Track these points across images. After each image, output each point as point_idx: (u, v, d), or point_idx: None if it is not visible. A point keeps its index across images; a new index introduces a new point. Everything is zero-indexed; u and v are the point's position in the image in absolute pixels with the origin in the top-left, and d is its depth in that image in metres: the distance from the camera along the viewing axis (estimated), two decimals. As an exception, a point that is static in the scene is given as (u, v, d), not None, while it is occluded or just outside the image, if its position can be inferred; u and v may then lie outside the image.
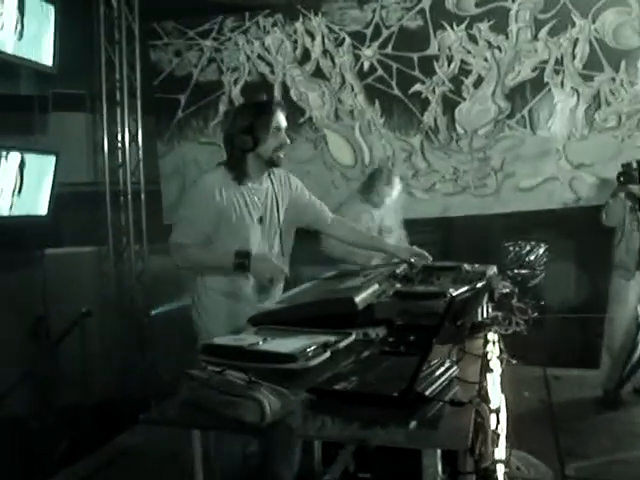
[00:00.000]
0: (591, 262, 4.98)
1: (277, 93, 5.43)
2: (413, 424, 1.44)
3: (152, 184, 5.71)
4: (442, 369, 1.68)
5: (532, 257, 5.66)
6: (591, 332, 4.59)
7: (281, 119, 2.66)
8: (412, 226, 5.08)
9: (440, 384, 1.62)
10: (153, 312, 5.63)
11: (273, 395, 1.45)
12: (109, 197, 5.51)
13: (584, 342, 4.84)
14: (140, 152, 5.63)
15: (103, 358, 5.14)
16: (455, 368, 1.72)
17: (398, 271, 2.79)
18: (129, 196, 5.55)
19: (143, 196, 5.62)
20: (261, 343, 1.90)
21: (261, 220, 2.72)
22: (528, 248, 5.71)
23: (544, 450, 3.55)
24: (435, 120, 5.19)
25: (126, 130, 5.54)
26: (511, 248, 5.70)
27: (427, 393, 1.54)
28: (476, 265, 2.78)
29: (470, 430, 1.41)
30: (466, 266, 2.81)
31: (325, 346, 1.90)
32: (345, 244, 3.18)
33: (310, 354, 1.81)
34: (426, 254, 2.91)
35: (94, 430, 4.19)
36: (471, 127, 5.12)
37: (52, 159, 4.87)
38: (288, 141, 2.72)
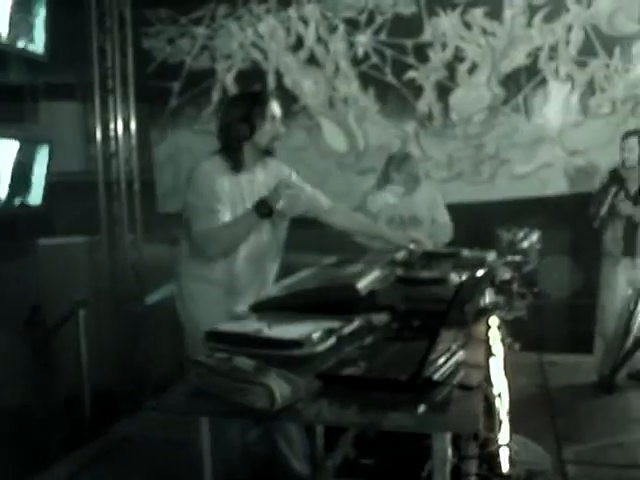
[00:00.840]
0: (585, 248, 4.98)
1: (271, 80, 5.41)
2: (422, 408, 1.45)
3: (146, 173, 5.68)
4: (448, 354, 1.68)
5: (526, 244, 5.65)
6: (585, 318, 4.61)
7: (276, 108, 2.68)
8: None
9: (447, 369, 1.62)
10: (148, 301, 5.62)
11: (282, 381, 1.44)
12: (102, 186, 5.47)
13: (579, 328, 4.86)
14: (133, 141, 5.58)
15: (98, 347, 5.12)
16: (461, 353, 1.72)
17: (398, 257, 2.79)
18: (123, 185, 5.51)
19: (137, 185, 5.58)
20: (266, 329, 1.89)
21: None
22: (522, 235, 5.70)
23: (542, 435, 3.57)
24: (429, 107, 5.18)
25: (119, 119, 5.49)
26: (505, 235, 5.70)
27: (435, 378, 1.54)
28: (475, 251, 2.79)
29: (480, 413, 1.41)
30: (466, 252, 2.82)
31: (330, 332, 1.90)
32: (343, 231, 3.17)
33: (316, 340, 1.81)
34: (424, 240, 2.93)
35: (90, 419, 4.18)
36: (465, 114, 5.12)
37: (45, 148, 4.84)
38: (283, 130, 2.74)
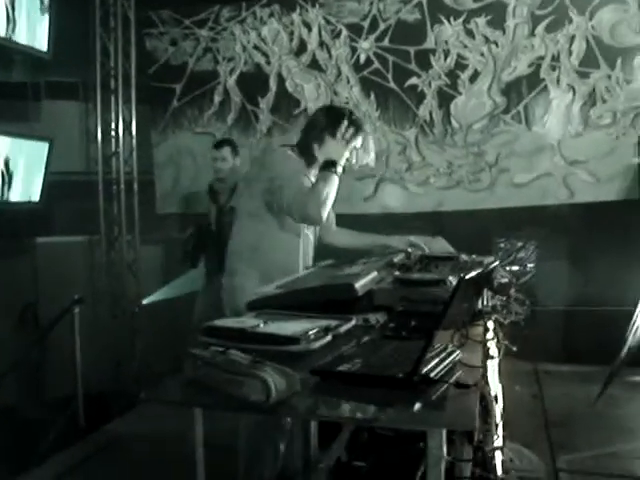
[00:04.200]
0: (584, 258, 4.99)
1: (272, 84, 5.42)
2: (418, 406, 1.44)
3: (145, 174, 5.68)
4: (445, 353, 1.68)
5: (523, 254, 5.67)
6: (582, 328, 4.61)
7: (354, 136, 2.73)
8: (404, 220, 5.12)
9: (444, 367, 1.62)
10: (144, 301, 5.62)
11: (278, 374, 1.44)
12: (102, 186, 5.48)
13: (575, 338, 4.86)
14: (134, 141, 5.59)
15: (93, 346, 5.11)
16: (458, 352, 1.72)
17: (396, 260, 2.79)
18: (122, 185, 5.52)
19: (136, 185, 5.58)
20: (262, 325, 1.89)
21: None
22: (519, 245, 5.72)
23: (536, 443, 3.57)
24: (430, 114, 5.19)
25: (120, 119, 5.50)
26: (502, 245, 5.71)
27: (432, 375, 1.54)
28: (473, 255, 2.79)
29: (477, 411, 1.41)
30: (464, 256, 2.82)
31: (326, 330, 1.89)
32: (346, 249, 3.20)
33: (312, 337, 1.81)
34: (422, 245, 2.95)
35: (83, 418, 4.16)
36: (466, 121, 5.12)
37: (45, 146, 4.84)
38: (352, 159, 2.84)
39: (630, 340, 4.16)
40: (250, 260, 2.73)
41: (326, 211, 2.61)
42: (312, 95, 5.38)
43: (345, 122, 2.71)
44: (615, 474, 3.36)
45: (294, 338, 1.77)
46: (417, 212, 5.19)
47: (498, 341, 2.07)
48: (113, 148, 5.52)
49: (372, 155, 3.10)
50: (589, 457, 3.53)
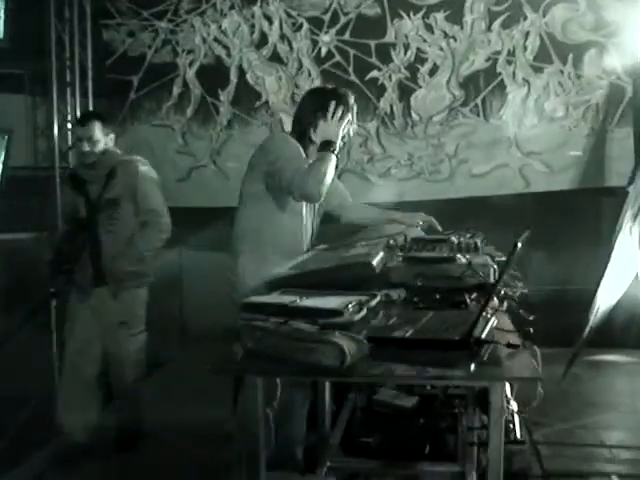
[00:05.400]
0: (538, 246, 5.19)
1: (233, 76, 5.42)
2: (476, 364, 1.52)
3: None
4: (486, 319, 1.76)
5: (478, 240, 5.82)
6: (544, 310, 4.79)
7: (341, 111, 2.78)
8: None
9: (488, 332, 1.70)
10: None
11: (349, 339, 1.49)
12: (58, 180, 5.34)
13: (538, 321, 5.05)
14: (91, 134, 5.47)
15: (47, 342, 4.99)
16: (494, 319, 1.81)
17: (392, 242, 2.87)
18: (80, 179, 5.39)
19: (94, 179, 5.46)
20: (299, 301, 1.92)
21: None
22: (468, 236, 5.89)
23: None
24: (391, 106, 5.30)
25: (77, 112, 5.38)
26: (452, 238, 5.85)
27: (483, 337, 1.62)
28: (468, 235, 2.91)
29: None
30: (453, 238, 2.93)
31: (360, 304, 1.95)
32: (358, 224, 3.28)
33: (352, 310, 1.86)
34: (434, 220, 3.11)
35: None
36: (426, 114, 5.26)
37: (4, 138, 4.71)
38: (351, 133, 2.95)
39: (591, 320, 4.37)
40: (254, 242, 2.78)
41: (324, 188, 2.66)
42: (273, 88, 5.41)
43: (333, 102, 2.77)
44: (588, 443, 3.61)
45: (337, 311, 1.82)
46: (378, 203, 5.28)
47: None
48: (70, 142, 5.39)
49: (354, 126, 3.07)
50: (562, 430, 3.76)
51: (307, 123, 2.86)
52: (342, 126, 2.78)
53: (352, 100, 2.92)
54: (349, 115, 2.86)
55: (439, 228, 3.07)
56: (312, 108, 2.86)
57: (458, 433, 2.61)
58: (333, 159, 2.70)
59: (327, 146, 2.71)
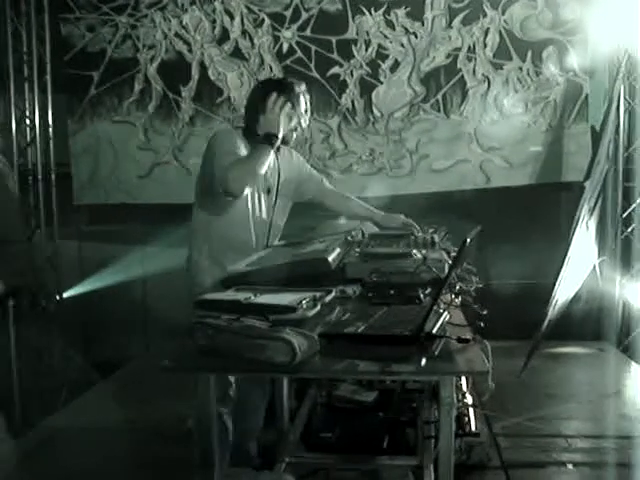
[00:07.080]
0: (498, 240, 5.26)
1: (195, 72, 5.39)
2: (426, 358, 1.54)
3: (63, 165, 5.50)
4: (437, 314, 1.79)
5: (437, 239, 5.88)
6: (501, 304, 4.86)
7: (284, 100, 2.75)
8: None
9: (439, 327, 1.73)
10: (64, 295, 5.47)
11: (300, 336, 1.50)
12: (17, 177, 5.26)
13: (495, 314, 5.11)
14: (50, 131, 5.42)
15: (19, 341, 4.94)
16: (447, 314, 1.83)
17: (349, 238, 2.89)
18: (39, 176, 5.33)
19: (54, 176, 5.41)
20: (253, 297, 1.93)
21: (268, 191, 2.88)
22: (431, 231, 5.94)
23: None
24: (352, 102, 5.32)
25: (36, 107, 5.31)
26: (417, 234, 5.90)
27: (434, 332, 1.64)
28: (430, 231, 2.95)
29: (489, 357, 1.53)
30: (415, 232, 2.96)
31: (314, 300, 1.96)
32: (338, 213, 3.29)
33: (305, 306, 1.87)
34: (414, 224, 3.12)
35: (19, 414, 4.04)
36: (387, 110, 5.29)
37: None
38: (303, 124, 2.92)
39: (550, 313, 4.45)
40: (205, 237, 2.81)
41: (248, 184, 2.65)
42: (235, 83, 5.39)
43: (273, 93, 2.75)
44: (545, 434, 3.68)
45: (290, 307, 1.83)
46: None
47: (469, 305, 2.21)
48: (28, 138, 5.32)
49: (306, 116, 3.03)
50: (521, 422, 3.82)
51: (251, 117, 2.86)
52: (284, 117, 2.75)
53: (301, 88, 2.88)
54: (296, 106, 2.83)
55: (418, 232, 3.07)
56: (254, 101, 2.86)
57: (417, 427, 2.64)
58: (267, 152, 2.69)
59: (267, 139, 2.70)
